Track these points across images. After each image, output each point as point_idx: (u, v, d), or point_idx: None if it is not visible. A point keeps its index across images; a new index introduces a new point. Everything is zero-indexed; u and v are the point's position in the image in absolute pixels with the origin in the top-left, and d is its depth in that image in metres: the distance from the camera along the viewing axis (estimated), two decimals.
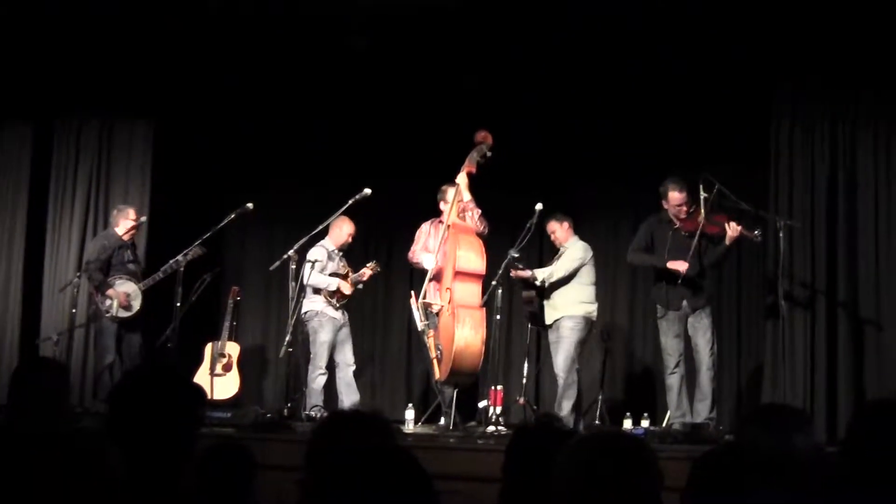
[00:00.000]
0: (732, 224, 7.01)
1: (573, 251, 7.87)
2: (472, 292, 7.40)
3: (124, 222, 8.41)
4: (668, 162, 8.18)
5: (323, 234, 8.01)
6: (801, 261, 7.59)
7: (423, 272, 7.86)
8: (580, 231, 9.19)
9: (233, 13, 8.18)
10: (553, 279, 7.75)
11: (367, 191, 7.80)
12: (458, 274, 7.36)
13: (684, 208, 7.19)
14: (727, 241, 7.08)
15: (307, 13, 8.09)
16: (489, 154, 7.68)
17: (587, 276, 7.85)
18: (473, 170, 7.67)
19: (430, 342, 7.50)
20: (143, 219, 8.73)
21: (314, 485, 1.81)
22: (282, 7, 8.08)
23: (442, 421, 7.62)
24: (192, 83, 9.16)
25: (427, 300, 7.57)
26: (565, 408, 7.59)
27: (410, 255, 8.02)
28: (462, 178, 7.66)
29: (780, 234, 7.24)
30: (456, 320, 7.26)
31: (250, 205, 7.99)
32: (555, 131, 8.94)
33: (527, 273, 7.83)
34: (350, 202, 7.79)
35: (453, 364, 7.21)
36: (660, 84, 8.48)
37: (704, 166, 7.39)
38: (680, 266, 7.14)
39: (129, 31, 8.54)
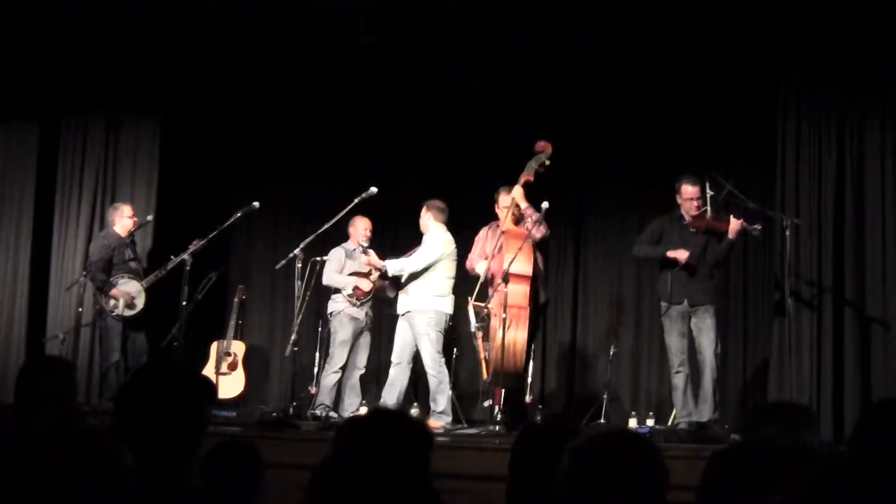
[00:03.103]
0: (734, 218, 7.03)
1: (430, 245, 7.84)
2: (520, 293, 7.40)
3: (121, 220, 8.42)
4: (675, 161, 8.18)
5: (328, 232, 8.02)
6: (807, 259, 7.58)
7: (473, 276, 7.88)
8: (588, 229, 9.20)
9: (238, 11, 8.19)
10: (406, 273, 7.75)
11: (374, 189, 7.80)
12: (511, 276, 7.38)
13: (696, 203, 7.19)
14: (730, 235, 7.09)
15: (313, 10, 8.10)
16: (548, 163, 7.68)
17: (445, 269, 7.83)
18: (531, 179, 7.67)
19: (479, 343, 7.49)
20: (150, 218, 8.74)
21: (321, 485, 1.81)
22: (287, 4, 8.10)
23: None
24: (199, 81, 9.18)
25: (478, 303, 7.55)
26: (441, 403, 7.65)
27: (468, 262, 7.97)
28: (518, 189, 7.63)
29: (787, 233, 7.24)
30: (502, 321, 7.28)
31: (256, 203, 7.99)
32: (561, 130, 8.91)
33: (379, 263, 7.86)
34: (356, 201, 7.79)
35: (497, 364, 7.22)
36: (666, 83, 8.48)
37: (712, 165, 7.40)
38: (680, 255, 7.16)
39: (136, 30, 8.57)
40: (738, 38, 7.88)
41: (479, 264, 7.79)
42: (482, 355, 7.46)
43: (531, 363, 7.89)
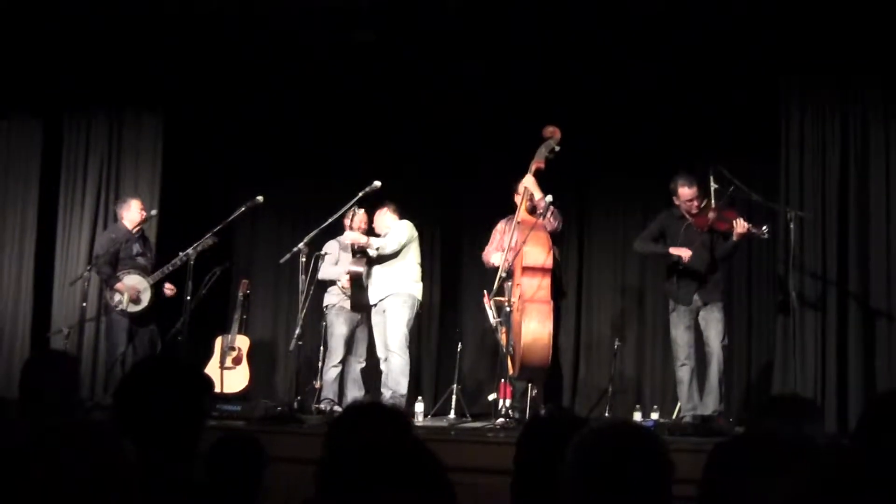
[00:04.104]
0: (740, 221, 6.98)
1: (400, 228, 7.87)
2: (539, 286, 7.30)
3: (127, 214, 8.41)
4: (679, 155, 8.17)
5: (332, 226, 8.03)
6: (811, 252, 7.57)
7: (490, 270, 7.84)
8: (592, 224, 9.18)
9: (240, 8, 8.19)
10: (385, 251, 7.76)
11: (377, 183, 7.78)
12: (526, 269, 7.31)
13: (695, 203, 7.16)
14: (735, 238, 7.05)
15: (313, 9, 8.10)
16: (557, 149, 7.60)
17: (415, 254, 7.90)
18: (542, 165, 7.57)
19: (503, 338, 7.44)
20: (154, 212, 8.74)
21: (329, 476, 1.81)
22: (288, 3, 8.09)
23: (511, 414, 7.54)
24: (202, 76, 9.18)
25: (499, 297, 7.46)
26: (404, 386, 7.62)
27: (484, 255, 7.93)
28: (528, 178, 7.54)
29: (791, 226, 7.21)
30: (523, 315, 7.23)
31: (260, 198, 7.98)
32: (564, 125, 8.91)
33: (363, 240, 7.83)
34: (360, 194, 7.78)
35: (522, 359, 7.18)
36: (670, 76, 8.46)
37: (715, 159, 7.36)
38: (683, 252, 7.12)
39: (138, 26, 8.56)
40: (742, 34, 7.87)
41: (494, 255, 7.70)
42: (506, 350, 7.36)
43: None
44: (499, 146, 8.82)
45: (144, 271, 8.31)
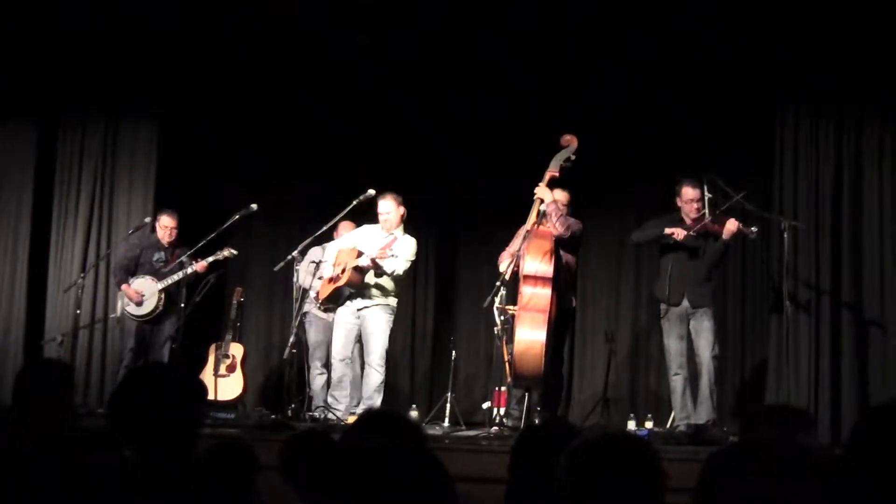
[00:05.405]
0: (731, 220, 7.02)
1: (410, 247, 7.69)
2: (538, 296, 7.17)
3: (158, 227, 8.42)
4: (673, 163, 8.18)
5: (326, 234, 8.01)
6: (805, 262, 7.59)
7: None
8: (586, 232, 9.15)
9: (238, 11, 8.20)
10: (398, 273, 7.59)
11: (372, 192, 7.77)
12: (525, 278, 7.22)
13: (696, 205, 7.17)
14: (725, 236, 7.07)
15: (312, 11, 8.11)
16: (574, 158, 7.40)
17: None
18: (557, 174, 7.35)
19: (503, 346, 7.30)
20: (147, 220, 8.74)
21: (334, 483, 1.81)
22: (286, 5, 8.10)
23: (507, 421, 7.45)
24: (197, 83, 9.18)
25: (501, 305, 7.35)
26: (377, 400, 7.47)
27: (499, 259, 7.74)
28: (541, 188, 7.34)
29: (785, 235, 7.24)
30: (518, 323, 7.18)
31: (254, 206, 7.99)
32: (563, 131, 8.92)
33: (385, 256, 7.62)
34: (354, 203, 7.77)
35: (515, 367, 7.15)
36: (665, 85, 8.49)
37: (709, 167, 7.39)
38: (678, 231, 7.08)
39: (133, 30, 8.57)
40: (739, 44, 7.90)
41: (503, 263, 7.51)
42: (505, 358, 7.30)
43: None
44: (496, 151, 8.82)
45: (157, 276, 8.29)
